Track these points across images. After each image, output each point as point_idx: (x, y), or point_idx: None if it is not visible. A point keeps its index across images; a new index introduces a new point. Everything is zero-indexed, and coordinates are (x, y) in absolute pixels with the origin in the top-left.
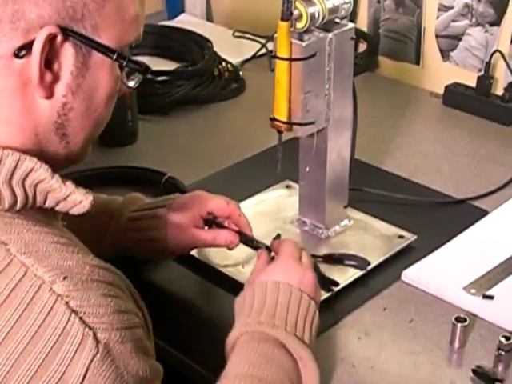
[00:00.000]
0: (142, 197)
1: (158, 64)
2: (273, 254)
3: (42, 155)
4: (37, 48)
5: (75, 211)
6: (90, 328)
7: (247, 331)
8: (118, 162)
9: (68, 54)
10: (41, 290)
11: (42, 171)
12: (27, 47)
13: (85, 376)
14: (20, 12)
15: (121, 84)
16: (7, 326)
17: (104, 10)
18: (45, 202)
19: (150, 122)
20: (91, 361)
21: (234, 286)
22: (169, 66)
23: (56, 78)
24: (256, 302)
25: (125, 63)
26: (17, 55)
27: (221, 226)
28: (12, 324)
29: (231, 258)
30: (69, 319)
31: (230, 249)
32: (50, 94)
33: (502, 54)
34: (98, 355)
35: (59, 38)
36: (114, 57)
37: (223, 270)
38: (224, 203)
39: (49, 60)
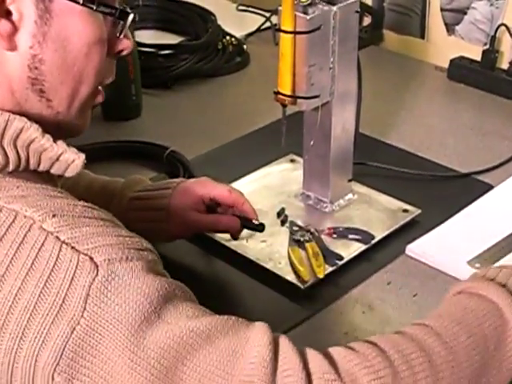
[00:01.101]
0: (143, 178)
1: (161, 38)
2: None
3: (27, 118)
4: None
5: (69, 172)
6: (85, 254)
7: (471, 286)
8: (121, 135)
9: (27, 2)
10: (31, 229)
11: (32, 130)
12: None
13: (86, 300)
14: None
15: (116, 39)
16: (1, 269)
17: None
18: (39, 165)
19: (154, 96)
20: (91, 284)
21: (238, 260)
22: (172, 39)
23: (16, 27)
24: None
25: (95, 7)
26: None
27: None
28: (5, 266)
29: None
30: (60, 250)
31: (233, 235)
32: (12, 46)
33: (508, 28)
34: (99, 277)
35: None
36: (81, 1)
37: (227, 243)
38: (226, 192)
39: (6, 10)
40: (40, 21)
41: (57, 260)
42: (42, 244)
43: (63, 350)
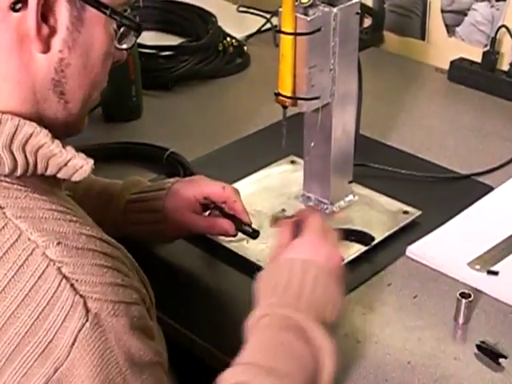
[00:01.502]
0: (141, 179)
1: (162, 39)
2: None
3: (41, 118)
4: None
5: (77, 177)
6: (81, 296)
7: (269, 313)
8: (122, 137)
9: (62, 8)
10: (33, 253)
11: (42, 136)
12: (23, 0)
13: (73, 344)
14: None
15: (114, 50)
16: None
17: None
18: (46, 169)
19: (155, 98)
20: (80, 329)
21: (238, 261)
22: (173, 40)
23: (52, 32)
24: (282, 282)
25: (118, 19)
26: (13, 8)
27: (219, 211)
28: (2, 287)
29: None
30: (59, 285)
31: (231, 236)
32: (46, 48)
33: (508, 29)
34: (88, 324)
35: None
36: (108, 12)
37: (227, 245)
38: (219, 189)
39: (44, 14)
40: (72, 27)
41: (54, 294)
42: (43, 272)
43: None
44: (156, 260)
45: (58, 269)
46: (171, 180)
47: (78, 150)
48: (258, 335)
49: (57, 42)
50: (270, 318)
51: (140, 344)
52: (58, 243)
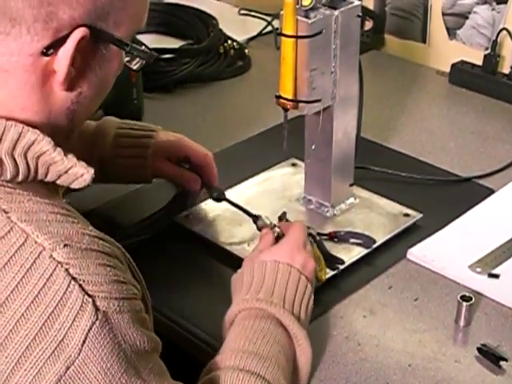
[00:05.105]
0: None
1: (163, 42)
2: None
3: (47, 131)
4: (68, 48)
5: (76, 185)
6: (90, 295)
7: (245, 308)
8: None
9: (91, 51)
10: (41, 256)
11: (44, 143)
12: (55, 46)
13: (84, 342)
14: (54, 13)
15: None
16: (6, 292)
17: (127, 6)
18: (46, 176)
19: (155, 100)
20: (90, 327)
21: (240, 264)
22: (174, 43)
23: (78, 74)
24: (255, 280)
25: (136, 54)
26: (45, 53)
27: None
28: (11, 290)
29: (237, 236)
30: (68, 286)
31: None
32: (71, 89)
33: (509, 32)
34: (97, 322)
35: (86, 38)
36: (128, 49)
37: (228, 247)
38: (203, 153)
39: (74, 58)
40: (95, 66)
41: (64, 295)
42: (51, 274)
43: None
44: (156, 262)
45: (66, 270)
46: (159, 127)
47: (79, 158)
48: (236, 327)
49: (81, 82)
50: (245, 312)
51: (143, 335)
52: (65, 245)
